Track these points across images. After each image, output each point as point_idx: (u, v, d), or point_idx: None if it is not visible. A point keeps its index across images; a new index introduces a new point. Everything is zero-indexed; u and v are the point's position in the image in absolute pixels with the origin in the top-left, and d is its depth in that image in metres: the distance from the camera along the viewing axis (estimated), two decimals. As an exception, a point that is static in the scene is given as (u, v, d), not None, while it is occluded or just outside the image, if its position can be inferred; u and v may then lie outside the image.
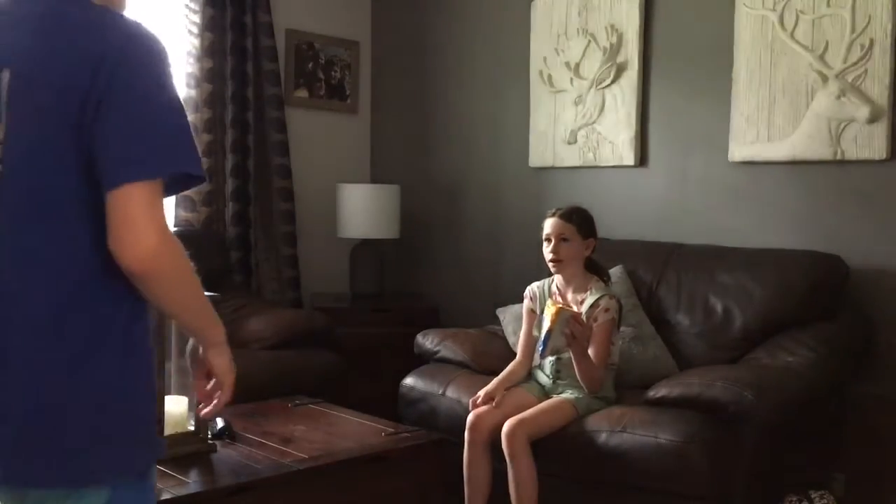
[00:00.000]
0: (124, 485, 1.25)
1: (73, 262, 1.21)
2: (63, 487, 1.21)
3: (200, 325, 1.37)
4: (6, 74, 1.20)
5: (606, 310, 2.80)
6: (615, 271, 3.34)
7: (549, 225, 2.87)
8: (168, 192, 1.24)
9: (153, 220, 1.18)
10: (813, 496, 2.65)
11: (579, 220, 2.86)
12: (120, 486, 1.24)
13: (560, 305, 2.67)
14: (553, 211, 2.91)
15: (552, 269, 2.91)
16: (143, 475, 1.29)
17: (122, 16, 1.26)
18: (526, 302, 3.03)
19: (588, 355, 2.74)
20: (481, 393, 2.83)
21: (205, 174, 1.29)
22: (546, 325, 2.65)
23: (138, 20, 1.26)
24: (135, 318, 1.27)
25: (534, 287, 3.02)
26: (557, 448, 2.69)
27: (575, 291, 2.90)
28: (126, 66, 1.18)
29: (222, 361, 1.41)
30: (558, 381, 2.86)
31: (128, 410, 1.25)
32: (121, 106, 1.18)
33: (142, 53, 1.21)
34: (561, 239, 2.84)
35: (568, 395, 2.79)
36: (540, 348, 2.70)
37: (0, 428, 1.21)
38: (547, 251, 2.86)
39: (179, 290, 1.26)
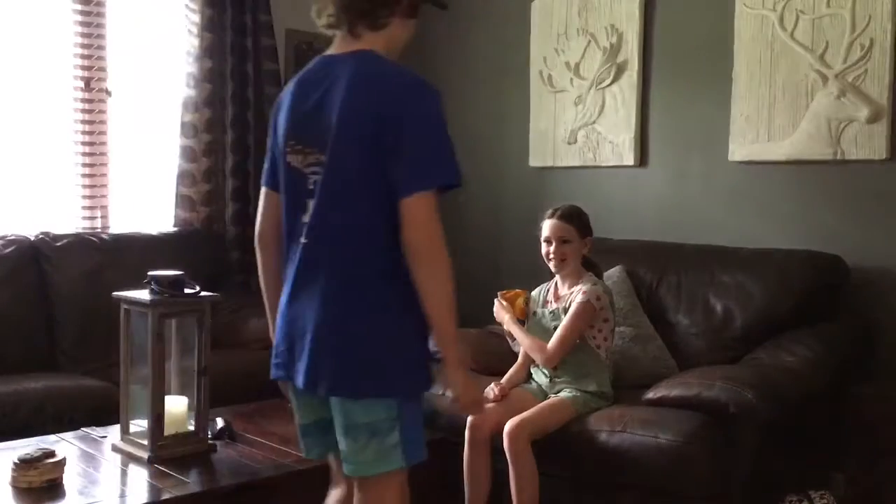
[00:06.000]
0: (406, 401, 1.76)
1: (375, 237, 1.71)
2: (378, 398, 1.73)
3: (442, 326, 1.72)
4: (334, 117, 1.70)
5: (583, 292, 2.80)
6: (615, 271, 3.34)
7: (548, 227, 2.87)
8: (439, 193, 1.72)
9: (431, 221, 1.67)
10: (813, 496, 2.65)
11: (578, 221, 2.88)
12: (405, 400, 1.76)
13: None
14: (551, 212, 2.90)
15: (554, 270, 2.91)
16: (417, 397, 1.80)
17: (404, 71, 1.74)
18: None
19: (518, 329, 2.87)
20: (496, 390, 2.84)
21: (461, 182, 1.73)
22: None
23: (414, 73, 1.74)
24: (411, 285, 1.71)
25: (533, 294, 3.03)
26: (557, 448, 2.68)
27: (570, 287, 2.91)
28: (407, 110, 1.68)
29: (455, 380, 1.78)
30: (556, 381, 2.86)
31: (413, 348, 1.75)
32: (407, 139, 1.66)
33: (417, 100, 1.70)
34: (562, 241, 2.85)
35: (566, 393, 2.79)
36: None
37: (329, 357, 1.72)
38: (548, 253, 2.87)
39: (435, 276, 1.69)
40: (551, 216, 2.88)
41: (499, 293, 2.97)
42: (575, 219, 2.87)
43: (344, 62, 1.75)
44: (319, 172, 1.73)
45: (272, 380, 1.88)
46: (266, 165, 1.91)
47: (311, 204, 1.74)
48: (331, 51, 1.81)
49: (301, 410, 1.89)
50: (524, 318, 2.94)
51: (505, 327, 2.95)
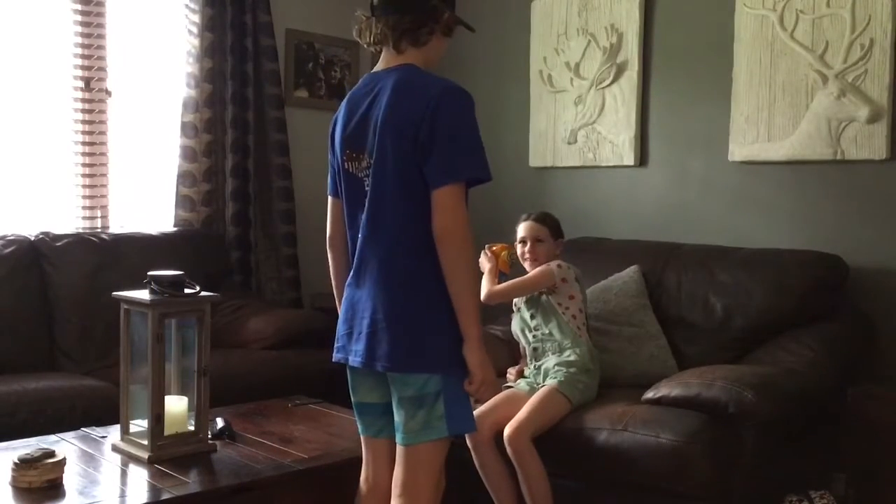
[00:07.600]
0: (449, 376, 1.93)
1: (418, 232, 1.89)
2: (422, 373, 1.91)
3: (465, 303, 1.87)
4: (379, 122, 1.90)
5: (547, 263, 2.99)
6: (629, 271, 3.34)
7: (524, 228, 3.06)
8: (468, 186, 1.93)
9: (457, 209, 1.88)
10: (813, 496, 2.65)
11: (551, 223, 3.07)
12: (447, 375, 1.93)
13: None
14: (526, 216, 3.09)
15: (528, 269, 3.03)
16: (458, 373, 1.93)
17: (439, 79, 1.93)
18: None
19: (490, 275, 2.99)
20: (513, 372, 3.06)
21: (491, 175, 1.93)
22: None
23: (449, 81, 1.93)
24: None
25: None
26: (558, 447, 2.69)
27: None
28: (440, 111, 1.85)
29: (472, 357, 1.91)
30: (538, 359, 2.93)
31: (452, 331, 1.90)
32: (438, 137, 1.85)
33: (449, 103, 1.87)
34: (536, 241, 3.02)
35: (550, 379, 2.82)
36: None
37: (382, 340, 1.91)
38: (524, 253, 3.04)
39: (459, 257, 1.87)
40: (526, 219, 3.08)
41: (486, 245, 3.09)
42: (548, 220, 3.07)
43: (388, 75, 1.96)
44: (371, 174, 1.93)
45: (333, 362, 2.07)
46: (329, 177, 2.12)
47: (367, 203, 1.94)
48: (377, 68, 2.02)
49: (357, 390, 2.08)
50: (507, 270, 3.08)
51: (485, 275, 3.04)
